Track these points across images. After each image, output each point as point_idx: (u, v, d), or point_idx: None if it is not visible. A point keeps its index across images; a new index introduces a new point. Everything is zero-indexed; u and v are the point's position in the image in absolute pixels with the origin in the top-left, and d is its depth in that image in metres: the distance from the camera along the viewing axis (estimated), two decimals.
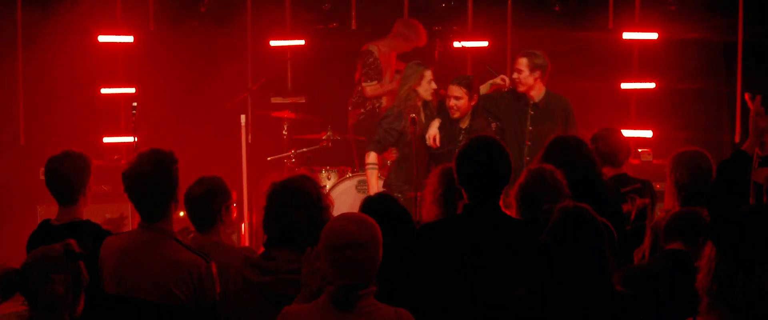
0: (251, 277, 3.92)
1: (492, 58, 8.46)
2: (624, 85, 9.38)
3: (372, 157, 7.21)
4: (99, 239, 4.07)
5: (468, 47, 8.75)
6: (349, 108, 8.75)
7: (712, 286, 2.95)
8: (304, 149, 8.46)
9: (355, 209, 4.16)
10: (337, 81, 9.25)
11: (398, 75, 8.84)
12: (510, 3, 9.52)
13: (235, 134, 8.05)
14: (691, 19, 9.16)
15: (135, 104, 7.76)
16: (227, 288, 4.07)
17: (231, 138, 8.41)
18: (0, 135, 9.07)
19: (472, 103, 7.10)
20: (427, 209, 4.89)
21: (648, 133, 9.15)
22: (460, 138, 7.20)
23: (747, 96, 4.39)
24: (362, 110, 8.65)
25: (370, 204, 4.27)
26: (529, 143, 7.11)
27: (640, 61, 9.43)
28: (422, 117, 7.13)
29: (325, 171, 8.31)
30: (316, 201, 3.97)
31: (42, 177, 4.53)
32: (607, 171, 5.50)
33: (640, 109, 9.52)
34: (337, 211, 4.07)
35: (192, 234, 4.66)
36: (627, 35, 9.14)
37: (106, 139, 9.09)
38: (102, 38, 9.00)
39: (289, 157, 8.40)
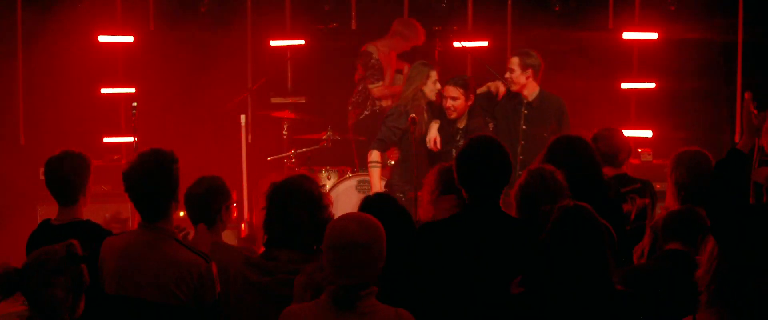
0: (251, 277, 3.92)
1: (492, 58, 8.45)
2: (624, 85, 9.39)
3: (375, 155, 7.21)
4: (99, 239, 4.07)
5: (468, 47, 8.75)
6: (349, 108, 8.75)
7: (712, 284, 2.95)
8: (304, 149, 8.46)
9: (355, 209, 4.16)
10: (337, 81, 9.25)
11: (399, 75, 8.85)
12: (510, 3, 9.52)
13: (235, 134, 8.05)
14: (691, 19, 9.17)
15: (135, 104, 7.76)
16: (227, 289, 4.07)
17: (231, 138, 8.42)
18: (0, 135, 9.07)
19: (469, 103, 7.11)
20: (424, 209, 4.90)
21: (648, 133, 9.15)
22: (458, 138, 7.21)
23: (747, 96, 4.39)
24: (362, 110, 8.65)
25: (369, 204, 4.27)
26: (523, 142, 7.14)
27: (640, 61, 9.43)
28: (426, 117, 7.14)
29: (325, 171, 8.31)
30: (318, 200, 3.97)
31: (42, 177, 4.52)
32: (608, 171, 5.50)
33: (640, 109, 9.52)
34: (337, 211, 4.07)
35: (189, 234, 4.66)
36: (627, 35, 9.14)
37: (106, 139, 9.10)
38: (102, 38, 9.00)
39: (289, 157, 8.40)
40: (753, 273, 2.90)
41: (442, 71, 7.37)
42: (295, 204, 3.91)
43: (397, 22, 8.80)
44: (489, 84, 7.41)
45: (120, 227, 4.66)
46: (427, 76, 7.16)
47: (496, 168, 4.03)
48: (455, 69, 8.74)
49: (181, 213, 6.12)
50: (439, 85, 7.16)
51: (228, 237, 6.04)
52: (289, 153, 8.41)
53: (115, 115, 9.41)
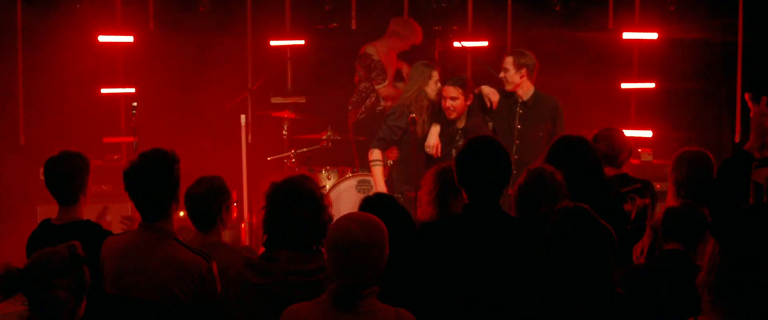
0: (251, 279, 3.92)
1: (492, 58, 8.46)
2: (624, 85, 9.39)
3: (376, 154, 7.22)
4: (99, 239, 4.07)
5: (468, 47, 8.76)
6: (349, 108, 8.75)
7: (713, 284, 2.95)
8: (304, 149, 8.46)
9: (355, 209, 4.16)
10: (337, 81, 9.25)
11: (399, 75, 8.85)
12: (510, 3, 9.52)
13: (235, 134, 8.05)
14: (691, 19, 9.17)
15: (135, 104, 7.76)
16: (227, 289, 4.06)
17: (231, 138, 8.42)
18: (0, 135, 9.07)
19: (468, 103, 7.12)
20: (423, 209, 4.90)
21: (648, 133, 9.15)
22: (457, 138, 7.22)
23: (747, 96, 4.39)
24: (362, 110, 8.66)
25: (369, 204, 4.27)
26: (518, 141, 7.16)
27: (640, 61, 9.43)
28: (425, 117, 7.15)
29: (325, 171, 8.31)
30: (318, 200, 3.97)
31: (42, 177, 4.53)
32: (608, 172, 5.50)
33: (640, 109, 9.53)
34: (337, 211, 4.07)
35: (192, 234, 4.66)
36: (627, 35, 9.14)
37: (106, 139, 9.10)
38: (102, 38, 8.99)
39: (289, 157, 8.40)
40: (753, 273, 2.90)
41: (442, 71, 7.38)
42: (295, 205, 3.90)
43: (394, 22, 8.81)
44: (482, 88, 7.38)
45: (128, 225, 4.63)
46: (430, 77, 7.19)
47: (496, 169, 4.03)
48: (455, 69, 8.74)
49: (181, 213, 6.13)
50: (440, 85, 7.18)
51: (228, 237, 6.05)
52: (289, 153, 8.41)
53: (115, 115, 9.41)
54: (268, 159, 8.54)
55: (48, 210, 5.50)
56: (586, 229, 3.78)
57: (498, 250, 3.91)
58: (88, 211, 4.56)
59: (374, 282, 3.37)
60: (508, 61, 7.18)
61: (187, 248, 3.94)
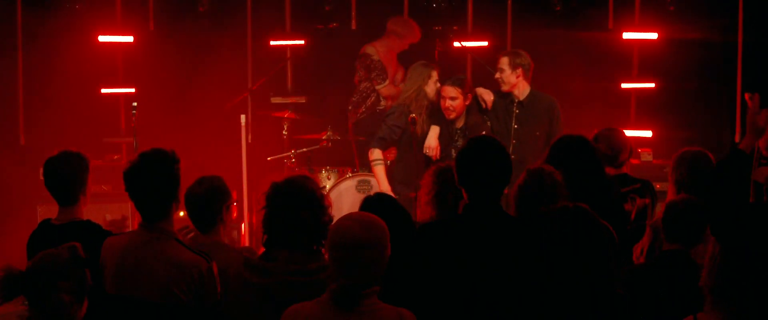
0: (251, 279, 3.92)
1: (492, 58, 8.46)
2: (624, 85, 9.39)
3: (377, 153, 7.23)
4: (99, 239, 4.07)
5: (468, 47, 8.75)
6: (350, 108, 8.75)
7: (715, 284, 2.95)
8: (304, 149, 8.46)
9: (355, 209, 4.16)
10: (337, 81, 9.25)
11: (399, 75, 8.85)
12: (510, 3, 9.52)
13: (235, 134, 8.05)
14: (691, 19, 9.17)
15: (135, 104, 7.76)
16: (227, 289, 4.06)
17: (231, 138, 8.42)
18: (0, 135, 9.07)
19: (467, 102, 7.13)
20: (422, 210, 4.89)
21: (648, 133, 9.15)
22: (456, 138, 7.22)
23: (747, 96, 4.39)
24: (362, 110, 8.66)
25: (369, 204, 4.27)
26: (515, 141, 7.16)
27: (640, 61, 9.44)
28: (424, 116, 7.15)
29: (325, 171, 8.30)
30: (319, 200, 3.97)
31: (42, 177, 4.53)
32: (608, 171, 5.50)
33: (640, 109, 9.53)
34: (337, 211, 4.07)
35: (192, 234, 4.66)
36: (627, 35, 9.14)
37: (106, 139, 9.09)
38: (102, 38, 9.00)
39: (289, 157, 8.40)
40: (753, 272, 2.89)
41: (442, 71, 7.38)
42: (296, 205, 3.90)
43: (391, 22, 8.81)
44: (476, 89, 7.38)
45: (115, 228, 4.64)
46: (429, 76, 7.20)
47: (497, 169, 4.03)
48: (455, 69, 8.74)
49: (181, 213, 6.13)
50: (439, 85, 7.18)
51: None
52: (289, 153, 8.41)
53: (115, 115, 9.41)
54: (268, 159, 8.54)
55: (48, 210, 5.50)
56: (586, 229, 3.78)
57: (498, 250, 3.91)
58: (88, 211, 4.56)
59: (375, 281, 3.37)
60: (504, 62, 7.19)
61: (187, 248, 3.94)
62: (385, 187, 7.08)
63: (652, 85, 9.28)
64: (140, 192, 3.94)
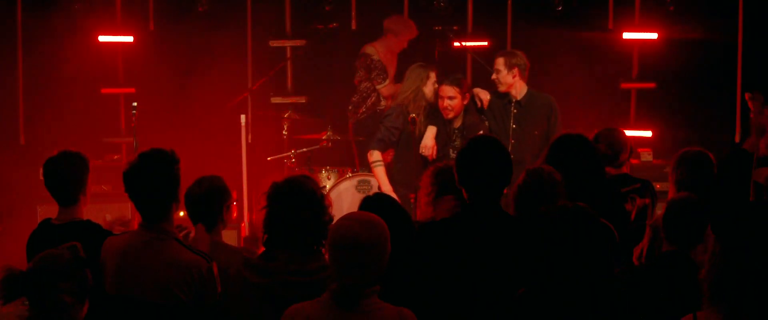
0: (251, 279, 3.92)
1: (492, 58, 8.45)
2: (624, 85, 9.39)
3: (376, 155, 7.23)
4: (99, 239, 4.07)
5: (468, 47, 8.75)
6: (350, 108, 8.75)
7: (713, 282, 2.95)
8: (304, 149, 8.46)
9: (355, 209, 4.16)
10: (337, 81, 9.25)
11: (399, 75, 8.86)
12: (510, 3, 9.52)
13: (235, 134, 8.05)
14: (691, 19, 9.17)
15: (135, 104, 7.76)
16: (227, 289, 4.06)
17: (231, 138, 8.42)
18: (0, 135, 9.07)
19: (465, 102, 7.13)
20: (421, 210, 4.89)
21: (648, 133, 9.16)
22: (454, 138, 7.21)
23: (747, 96, 4.40)
24: (362, 110, 8.66)
25: (369, 204, 4.27)
26: (513, 141, 7.17)
27: (640, 61, 9.43)
28: (423, 117, 7.15)
29: (325, 171, 8.30)
30: (319, 200, 3.97)
31: (42, 177, 4.53)
32: (608, 171, 5.50)
33: (640, 109, 9.53)
34: (337, 211, 4.07)
35: (190, 233, 4.66)
36: (627, 35, 9.14)
37: (106, 139, 9.09)
38: (102, 38, 9.00)
39: (289, 157, 8.40)
40: (753, 271, 2.89)
41: (441, 71, 7.38)
42: (296, 205, 3.90)
43: (387, 21, 8.81)
44: (475, 90, 7.39)
45: (116, 228, 4.64)
46: (427, 77, 7.20)
47: (496, 169, 4.03)
48: (455, 69, 8.75)
49: (181, 213, 6.12)
50: (436, 86, 7.18)
51: (228, 237, 6.05)
52: (289, 153, 8.41)
53: (115, 115, 9.41)
54: (268, 159, 8.54)
55: (48, 210, 5.49)
56: (586, 229, 3.78)
57: (498, 250, 3.91)
58: (88, 211, 4.56)
59: (376, 281, 3.37)
60: (500, 62, 7.21)
61: (188, 248, 3.94)
62: (386, 188, 7.08)
63: (652, 85, 9.28)
64: (140, 192, 3.93)
